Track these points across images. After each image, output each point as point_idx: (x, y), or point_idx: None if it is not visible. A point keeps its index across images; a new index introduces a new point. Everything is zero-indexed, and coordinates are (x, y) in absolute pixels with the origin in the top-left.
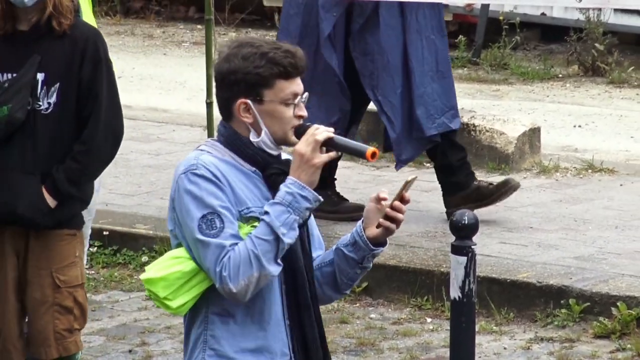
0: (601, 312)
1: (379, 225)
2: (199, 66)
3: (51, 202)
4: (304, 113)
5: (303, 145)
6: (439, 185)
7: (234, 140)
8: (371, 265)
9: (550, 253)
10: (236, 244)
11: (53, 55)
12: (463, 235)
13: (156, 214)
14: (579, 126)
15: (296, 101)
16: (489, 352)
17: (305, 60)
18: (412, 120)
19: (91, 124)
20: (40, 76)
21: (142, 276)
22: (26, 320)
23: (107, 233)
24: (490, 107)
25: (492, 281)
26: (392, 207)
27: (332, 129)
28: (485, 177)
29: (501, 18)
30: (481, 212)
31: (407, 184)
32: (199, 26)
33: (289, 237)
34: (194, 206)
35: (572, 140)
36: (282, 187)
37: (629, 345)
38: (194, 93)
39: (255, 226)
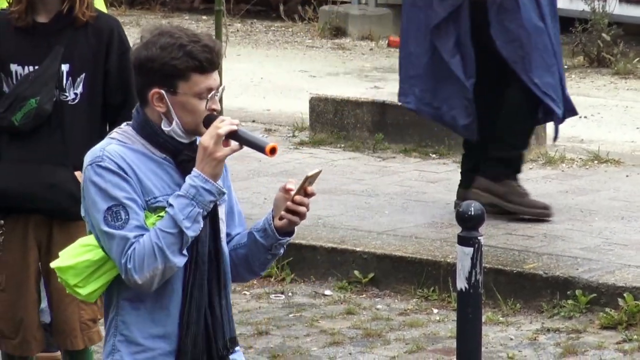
0: (607, 303)
1: (281, 218)
2: None
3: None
4: (217, 107)
5: (207, 138)
6: (458, 174)
7: (145, 127)
8: (281, 252)
9: (557, 244)
10: (141, 235)
11: (76, 46)
12: (469, 226)
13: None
14: (585, 117)
15: (209, 95)
16: (496, 343)
17: (222, 55)
18: (565, 99)
19: (126, 111)
20: (64, 67)
21: (53, 264)
22: (40, 309)
23: None
24: None
25: (498, 272)
26: (293, 201)
27: (237, 121)
28: None
29: None
30: None
31: (308, 178)
32: (204, 17)
33: (193, 230)
34: (100, 198)
35: (578, 131)
36: (187, 180)
37: (635, 336)
38: None
39: (161, 216)
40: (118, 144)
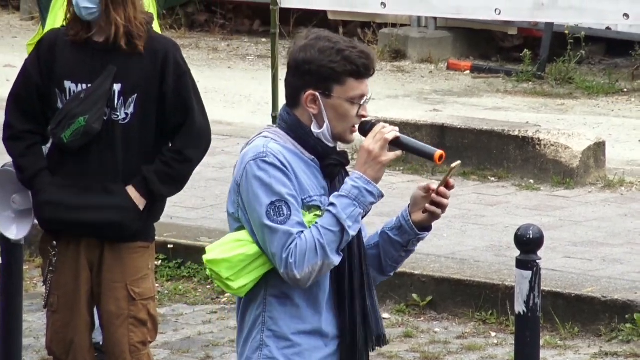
0: None
1: (424, 211)
2: (264, 79)
3: (140, 202)
4: (366, 114)
5: (371, 142)
6: (516, 197)
7: (296, 128)
8: (415, 248)
9: (615, 267)
10: (302, 231)
11: (130, 67)
12: (528, 249)
13: (221, 227)
14: None
15: (362, 102)
16: None
17: (376, 63)
18: None
19: (184, 133)
20: (116, 87)
21: (206, 257)
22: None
23: (172, 246)
24: (555, 121)
25: (556, 295)
26: (437, 193)
27: (397, 128)
28: (549, 191)
29: (566, 32)
30: (546, 226)
31: (451, 170)
32: (263, 39)
33: (354, 230)
34: (263, 192)
35: (637, 155)
36: (349, 181)
37: None
38: (259, 106)
39: (317, 215)
40: (275, 143)
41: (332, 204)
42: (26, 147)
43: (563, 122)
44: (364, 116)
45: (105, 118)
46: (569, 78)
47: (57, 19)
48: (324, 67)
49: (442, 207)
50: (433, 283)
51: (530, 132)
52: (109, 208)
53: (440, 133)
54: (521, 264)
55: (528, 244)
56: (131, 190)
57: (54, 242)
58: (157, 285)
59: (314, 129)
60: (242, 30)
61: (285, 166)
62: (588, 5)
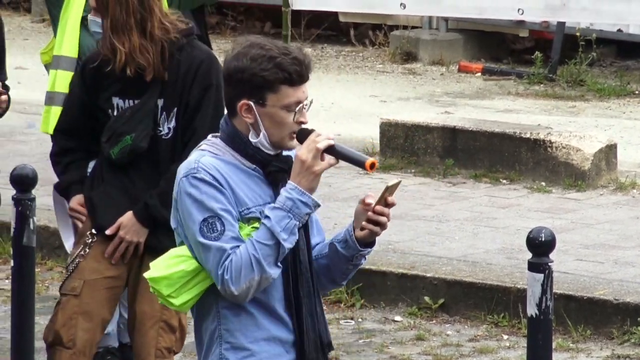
0: None
1: (362, 228)
2: None
3: (135, 231)
4: (305, 119)
5: (304, 152)
6: (528, 200)
7: (234, 138)
8: (362, 262)
9: (627, 270)
10: (237, 246)
11: (170, 80)
12: (540, 252)
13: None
14: None
15: (297, 108)
16: None
17: (312, 68)
18: None
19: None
20: (160, 102)
21: (146, 274)
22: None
23: None
24: (566, 123)
25: (569, 298)
26: (374, 211)
27: (333, 136)
28: (561, 193)
29: (577, 34)
30: (558, 229)
31: (388, 189)
32: None
33: (289, 242)
34: (195, 209)
35: None
36: (283, 192)
37: None
38: None
39: (255, 227)
40: (211, 156)
41: (266, 217)
42: (66, 164)
43: (574, 125)
44: (302, 122)
45: (151, 135)
46: (581, 80)
47: (67, 27)
48: (256, 76)
49: (380, 224)
50: (445, 286)
51: (542, 134)
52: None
53: (451, 135)
54: (533, 266)
55: (540, 247)
56: (127, 218)
57: (94, 231)
58: None
59: (252, 138)
60: (253, 32)
61: (217, 180)
62: (607, 5)
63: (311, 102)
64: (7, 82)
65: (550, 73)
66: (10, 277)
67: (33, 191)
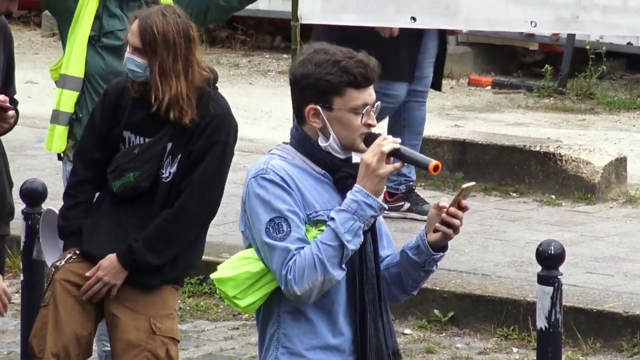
0: None
1: (435, 230)
2: (285, 95)
3: (114, 273)
4: (373, 122)
5: (370, 155)
6: (538, 213)
7: (304, 144)
8: (434, 269)
9: (637, 283)
10: (302, 247)
11: (182, 127)
12: (549, 265)
13: (242, 244)
14: None
15: (364, 110)
16: None
17: (378, 71)
18: None
19: (179, 206)
20: (168, 146)
21: (213, 275)
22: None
23: None
24: (576, 136)
25: (578, 311)
26: (448, 213)
27: (398, 140)
28: (571, 206)
29: (587, 47)
30: (567, 242)
31: (462, 191)
32: (284, 55)
33: (353, 244)
34: (262, 210)
35: None
36: (348, 195)
37: None
38: (280, 122)
39: (322, 230)
40: (280, 159)
41: (332, 219)
42: (77, 202)
43: (584, 138)
44: (370, 125)
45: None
46: (590, 93)
47: (74, 46)
48: (321, 80)
49: (453, 227)
50: (454, 299)
51: (552, 147)
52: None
53: (461, 149)
54: (543, 279)
55: (549, 260)
56: (108, 260)
57: (77, 251)
58: (178, 301)
59: (321, 142)
60: (263, 46)
61: (286, 182)
62: (619, 19)
63: (379, 106)
64: (16, 97)
65: (560, 86)
66: (20, 291)
67: (42, 205)
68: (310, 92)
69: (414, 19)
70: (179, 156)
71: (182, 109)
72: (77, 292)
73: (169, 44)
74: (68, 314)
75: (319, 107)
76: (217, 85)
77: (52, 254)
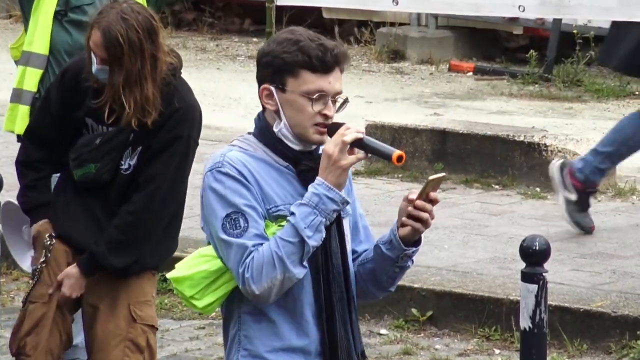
0: None
1: (403, 225)
2: (255, 81)
3: (80, 278)
4: (329, 112)
5: (331, 146)
6: (522, 206)
7: (264, 133)
8: (409, 265)
9: (626, 281)
10: (260, 244)
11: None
12: (533, 261)
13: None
14: None
15: (316, 96)
16: None
17: (345, 60)
18: None
19: (141, 206)
20: (130, 136)
21: (169, 274)
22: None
23: None
24: (562, 126)
25: (564, 310)
26: (415, 207)
27: (362, 129)
28: (556, 200)
29: (575, 32)
30: (553, 237)
31: (430, 182)
32: (254, 39)
33: (315, 240)
34: (219, 205)
35: None
36: (309, 188)
37: None
38: (250, 110)
39: (282, 225)
40: (240, 151)
41: (292, 214)
42: (35, 178)
43: (571, 127)
44: (326, 115)
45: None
46: (578, 80)
47: (38, 22)
48: (277, 58)
49: (422, 221)
50: (433, 297)
51: (537, 137)
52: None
53: (441, 138)
54: (526, 276)
55: (534, 256)
56: (73, 271)
57: (54, 241)
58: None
59: (275, 127)
60: (231, 29)
61: (243, 175)
62: (615, 2)
63: (346, 100)
64: None
65: (545, 73)
66: None
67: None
68: (267, 70)
69: (395, 1)
70: (139, 148)
71: (145, 112)
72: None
73: (135, 49)
74: (67, 310)
75: (272, 88)
76: (181, 71)
77: (19, 249)
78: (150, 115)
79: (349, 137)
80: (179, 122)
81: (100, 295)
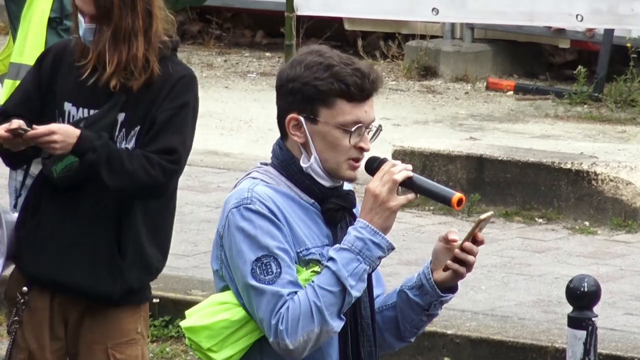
0: None
1: (446, 268)
2: (268, 101)
3: (70, 143)
4: (366, 146)
5: (378, 185)
6: (568, 242)
7: (288, 165)
8: (438, 312)
9: None
10: (295, 292)
11: (138, 95)
12: (582, 304)
13: (215, 284)
14: None
15: (355, 129)
16: None
17: (381, 85)
18: None
19: (153, 157)
20: (120, 116)
21: (183, 323)
22: None
23: (158, 301)
24: (614, 151)
25: (616, 359)
26: (462, 249)
27: (410, 167)
28: (608, 235)
29: (628, 45)
30: (604, 277)
31: (480, 222)
32: (267, 54)
33: (357, 290)
34: (247, 247)
35: None
36: (352, 231)
37: None
38: (262, 134)
39: (316, 271)
40: (265, 185)
41: (331, 259)
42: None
43: (624, 153)
44: (362, 148)
45: None
46: (632, 100)
47: (29, 30)
48: (308, 85)
49: (467, 265)
50: (469, 345)
51: (585, 164)
52: (94, 268)
53: (477, 166)
54: (574, 322)
55: (582, 298)
56: (69, 129)
57: (25, 288)
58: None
59: (303, 162)
60: (241, 42)
61: (274, 214)
62: None
63: (379, 129)
64: None
65: (595, 92)
66: None
67: None
68: (295, 98)
69: (436, 10)
70: (137, 128)
71: (130, 75)
72: (50, 346)
73: (126, 1)
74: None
75: (302, 118)
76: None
77: None
78: (135, 80)
79: (400, 176)
80: (185, 89)
81: (79, 339)
